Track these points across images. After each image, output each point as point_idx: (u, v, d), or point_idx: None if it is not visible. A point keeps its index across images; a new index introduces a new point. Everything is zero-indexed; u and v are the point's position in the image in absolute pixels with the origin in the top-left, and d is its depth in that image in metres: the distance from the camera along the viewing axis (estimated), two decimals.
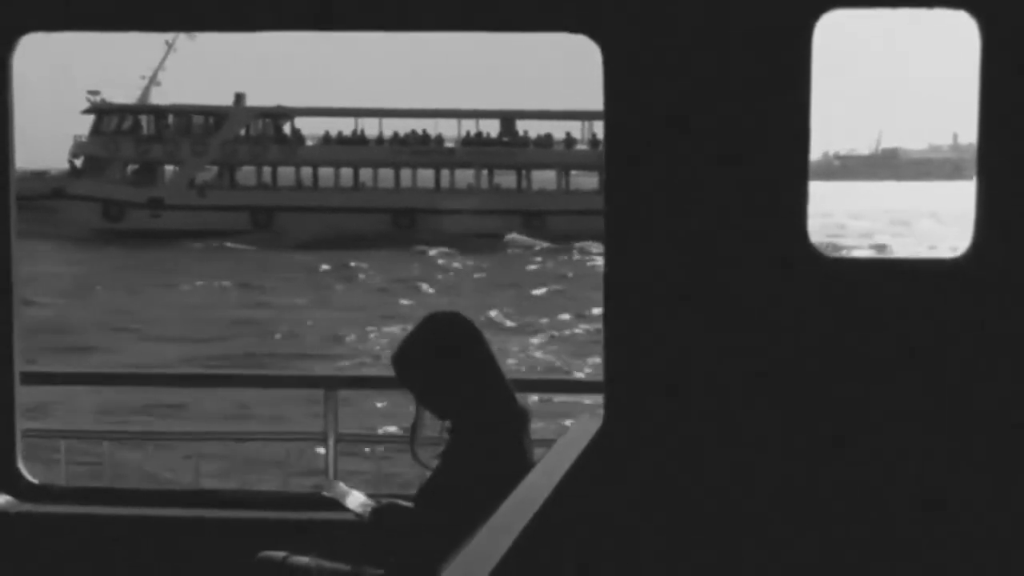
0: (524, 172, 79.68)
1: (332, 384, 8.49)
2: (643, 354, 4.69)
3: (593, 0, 4.64)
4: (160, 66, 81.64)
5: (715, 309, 4.66)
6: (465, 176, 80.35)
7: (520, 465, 5.47)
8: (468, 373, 5.79)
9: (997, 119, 4.54)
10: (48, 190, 77.74)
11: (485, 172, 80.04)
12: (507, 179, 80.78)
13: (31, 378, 6.96)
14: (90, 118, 79.67)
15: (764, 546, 4.74)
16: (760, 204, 4.61)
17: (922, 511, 4.69)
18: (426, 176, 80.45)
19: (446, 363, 5.79)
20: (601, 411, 4.79)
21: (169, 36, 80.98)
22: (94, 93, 79.46)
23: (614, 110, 4.64)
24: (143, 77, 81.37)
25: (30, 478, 6.32)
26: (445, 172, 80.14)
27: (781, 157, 4.61)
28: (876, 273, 4.74)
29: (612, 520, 4.71)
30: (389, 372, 5.97)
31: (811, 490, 4.70)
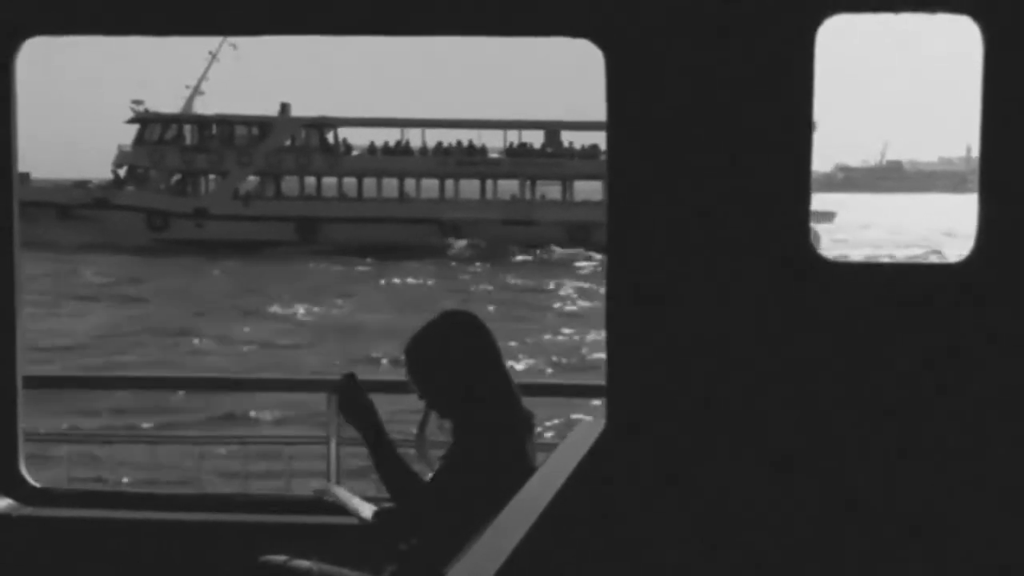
0: (568, 183, 79.64)
1: (336, 387, 8.35)
2: (645, 359, 4.72)
3: (597, 5, 4.67)
4: (204, 75, 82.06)
5: (717, 314, 4.67)
6: (509, 187, 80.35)
7: (522, 469, 5.43)
8: (476, 372, 5.76)
9: (1000, 125, 4.55)
10: (90, 200, 78.25)
11: (528, 183, 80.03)
12: (551, 190, 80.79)
13: (33, 382, 6.93)
14: (131, 129, 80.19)
15: (766, 551, 4.71)
16: (762, 209, 4.63)
17: (925, 516, 4.68)
18: (469, 187, 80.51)
19: (456, 359, 5.77)
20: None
21: (212, 45, 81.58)
22: (138, 102, 79.94)
23: (617, 115, 4.67)
24: (187, 87, 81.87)
25: (32, 481, 6.31)
26: (489, 183, 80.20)
27: (783, 162, 4.63)
28: (878, 278, 4.73)
29: (614, 525, 4.72)
30: (392, 376, 5.93)
31: (813, 495, 4.69)
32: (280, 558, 5.88)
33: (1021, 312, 4.60)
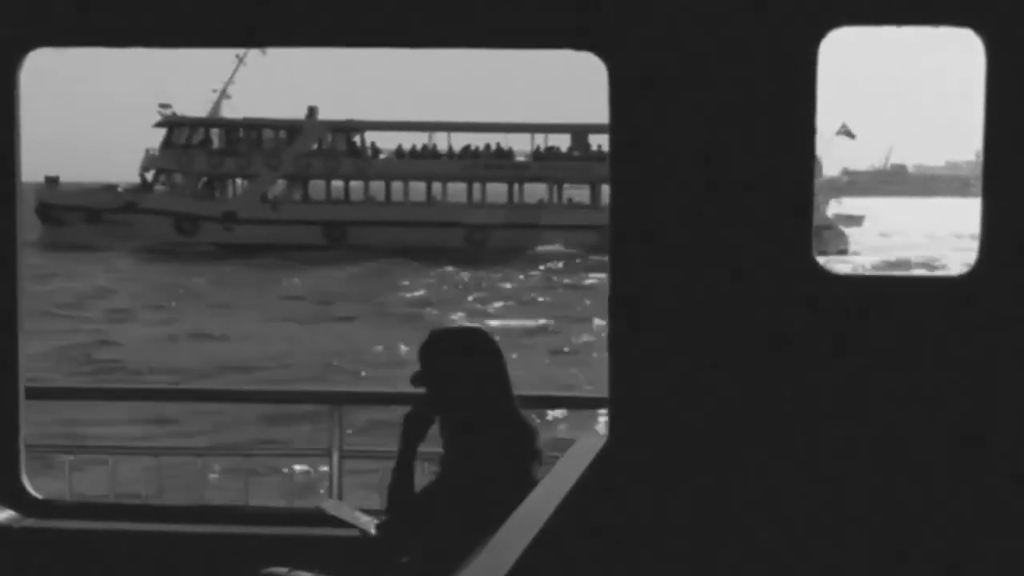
0: (596, 186, 79.49)
1: (337, 400, 8.50)
2: (647, 372, 4.72)
3: (599, 19, 4.70)
4: (230, 79, 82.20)
5: (719, 327, 4.68)
6: (536, 190, 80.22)
7: (523, 484, 5.41)
8: (483, 389, 5.78)
9: (1002, 137, 4.56)
10: (119, 204, 78.53)
11: (556, 187, 79.89)
12: (579, 193, 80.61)
13: (35, 393, 6.93)
14: (159, 132, 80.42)
15: (767, 564, 4.71)
16: (765, 222, 4.64)
17: (927, 526, 4.68)
18: (496, 190, 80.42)
19: (468, 374, 5.78)
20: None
21: (240, 50, 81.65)
22: (165, 106, 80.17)
23: (620, 128, 4.69)
24: (214, 90, 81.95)
25: (34, 493, 6.33)
26: (516, 187, 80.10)
27: (786, 175, 4.64)
28: (881, 290, 4.73)
29: (615, 537, 4.72)
30: (392, 388, 5.92)
31: (816, 507, 4.69)
32: (282, 570, 5.88)
33: (1021, 324, 4.60)
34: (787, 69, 4.59)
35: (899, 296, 4.68)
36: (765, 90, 4.60)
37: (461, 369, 5.79)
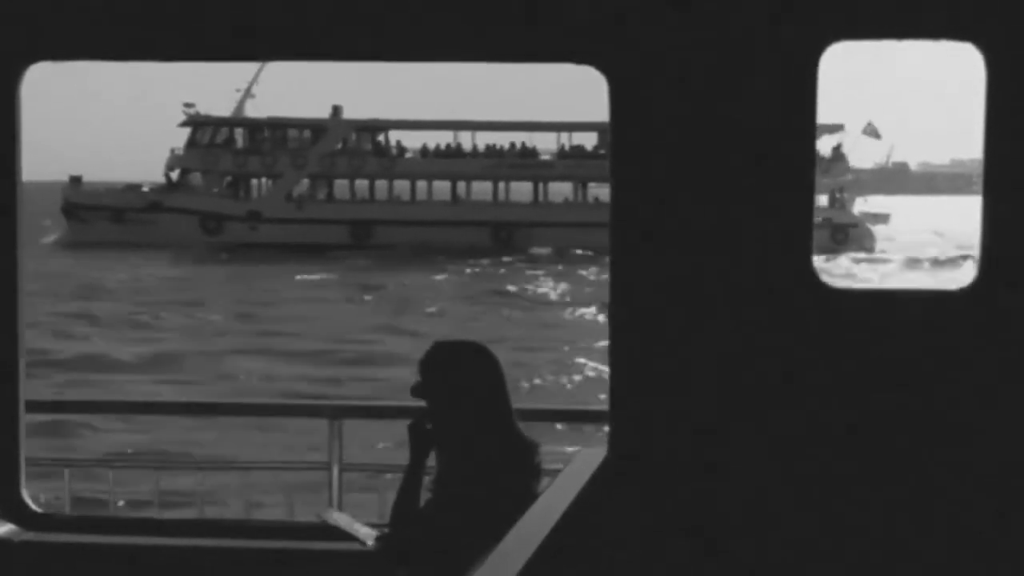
0: None
1: (337, 413, 8.47)
2: (647, 386, 4.73)
3: (600, 32, 4.72)
4: (255, 79, 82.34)
5: (720, 344, 4.68)
6: (560, 189, 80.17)
7: (522, 499, 5.36)
8: (483, 406, 5.74)
9: (1002, 151, 4.57)
10: (143, 203, 78.81)
11: (581, 185, 79.83)
12: (605, 192, 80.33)
13: (36, 406, 6.88)
14: (183, 132, 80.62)
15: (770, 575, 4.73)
16: (765, 237, 4.65)
17: (927, 539, 4.68)
18: (520, 189, 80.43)
19: (465, 377, 5.76)
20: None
21: None
22: (189, 105, 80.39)
23: (620, 142, 4.71)
24: (237, 90, 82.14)
25: (34, 507, 6.31)
26: (542, 185, 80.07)
27: (786, 187, 4.64)
28: (880, 303, 4.74)
29: (616, 552, 4.71)
30: (392, 402, 5.87)
31: (815, 518, 4.70)
32: None
33: (1022, 338, 4.60)
34: (787, 82, 4.60)
35: (899, 309, 4.68)
36: (765, 104, 4.61)
37: (460, 383, 5.75)
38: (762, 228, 4.64)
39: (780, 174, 4.62)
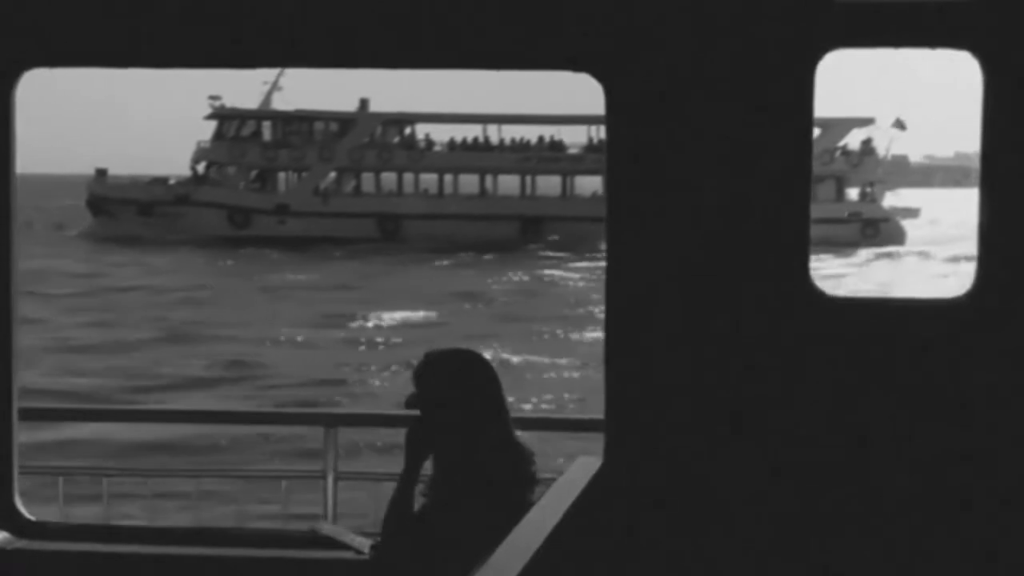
0: None
1: (332, 421, 8.46)
2: (643, 395, 4.75)
3: (596, 40, 4.74)
4: (281, 71, 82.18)
5: (715, 351, 4.69)
6: (589, 183, 80.00)
7: (517, 506, 5.36)
8: (479, 414, 5.73)
9: (1000, 158, 4.58)
10: (170, 197, 78.89)
11: None
12: None
13: (30, 414, 6.75)
14: (209, 125, 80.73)
15: None
16: (762, 245, 4.67)
17: (926, 548, 4.68)
18: (547, 182, 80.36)
19: (460, 387, 5.76)
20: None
21: None
22: (215, 98, 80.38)
23: (616, 149, 4.72)
24: (264, 82, 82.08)
25: (27, 515, 6.22)
26: (570, 179, 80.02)
27: (782, 196, 4.65)
28: (877, 312, 4.76)
29: (611, 560, 4.73)
30: (388, 410, 5.75)
31: (812, 527, 4.70)
32: None
33: (1021, 347, 4.60)
34: (784, 91, 4.63)
35: (897, 318, 4.69)
36: (762, 112, 4.63)
37: (454, 393, 5.72)
38: (759, 237, 4.65)
39: (777, 182, 4.64)
